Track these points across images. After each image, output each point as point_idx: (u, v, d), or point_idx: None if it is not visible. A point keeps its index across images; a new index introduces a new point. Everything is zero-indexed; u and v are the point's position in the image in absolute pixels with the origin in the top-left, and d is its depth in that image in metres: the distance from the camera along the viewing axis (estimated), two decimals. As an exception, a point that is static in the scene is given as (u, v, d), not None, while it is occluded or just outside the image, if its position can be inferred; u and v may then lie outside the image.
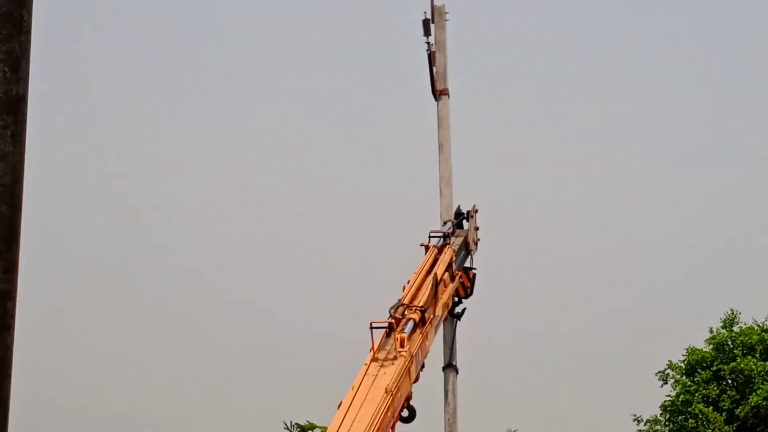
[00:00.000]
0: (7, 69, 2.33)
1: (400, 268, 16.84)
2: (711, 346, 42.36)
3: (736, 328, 42.57)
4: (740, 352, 41.23)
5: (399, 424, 13.56)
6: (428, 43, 17.20)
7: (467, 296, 16.67)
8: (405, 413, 13.88)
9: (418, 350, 13.85)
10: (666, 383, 42.71)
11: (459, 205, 17.20)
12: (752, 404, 38.92)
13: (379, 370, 13.14)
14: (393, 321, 13.87)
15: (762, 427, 39.59)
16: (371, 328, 13.63)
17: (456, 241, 16.26)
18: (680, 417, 41.10)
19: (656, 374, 42.56)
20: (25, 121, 2.22)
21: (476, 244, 17.08)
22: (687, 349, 42.59)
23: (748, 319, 46.35)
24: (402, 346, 13.47)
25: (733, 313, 42.88)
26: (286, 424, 17.11)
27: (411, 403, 13.91)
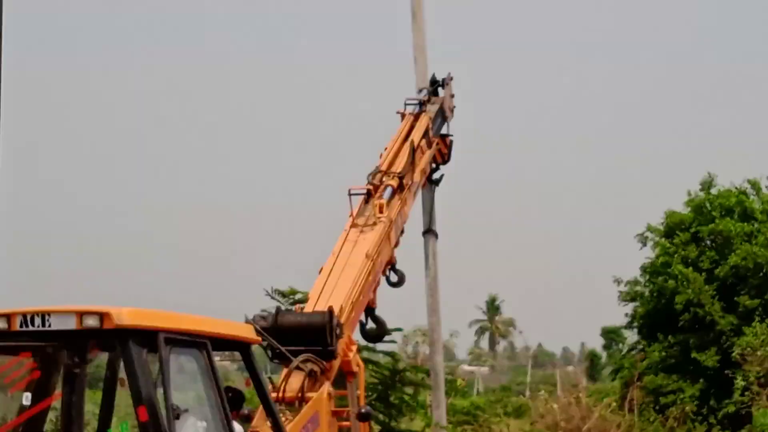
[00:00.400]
0: None
1: (377, 135, 16.90)
2: (689, 209, 42.83)
3: (713, 191, 42.98)
4: (718, 213, 41.68)
5: (383, 287, 13.75)
6: None
7: (444, 162, 16.78)
8: (394, 278, 14.07)
9: (397, 216, 13.97)
10: (645, 246, 43.27)
11: (434, 73, 17.17)
12: (731, 264, 39.53)
13: (359, 236, 13.27)
14: (371, 187, 13.96)
15: (741, 285, 40.29)
16: (350, 194, 13.72)
17: (432, 109, 16.28)
18: (660, 278, 41.74)
19: (635, 237, 43.16)
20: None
21: (452, 111, 17.11)
22: (665, 212, 43.10)
23: (725, 181, 46.76)
24: (381, 211, 13.58)
25: (710, 177, 43.24)
26: (267, 291, 17.33)
27: (398, 268, 14.08)
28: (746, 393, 35.17)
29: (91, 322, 8.31)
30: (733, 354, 36.59)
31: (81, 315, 8.34)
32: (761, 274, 39.43)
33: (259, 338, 10.29)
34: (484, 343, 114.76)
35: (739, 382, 35.62)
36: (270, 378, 11.10)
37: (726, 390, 37.80)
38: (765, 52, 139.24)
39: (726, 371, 37.40)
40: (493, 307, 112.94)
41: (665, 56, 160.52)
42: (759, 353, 34.45)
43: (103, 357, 8.86)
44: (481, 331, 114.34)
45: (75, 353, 8.43)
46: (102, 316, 8.31)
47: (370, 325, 13.56)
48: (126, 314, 8.34)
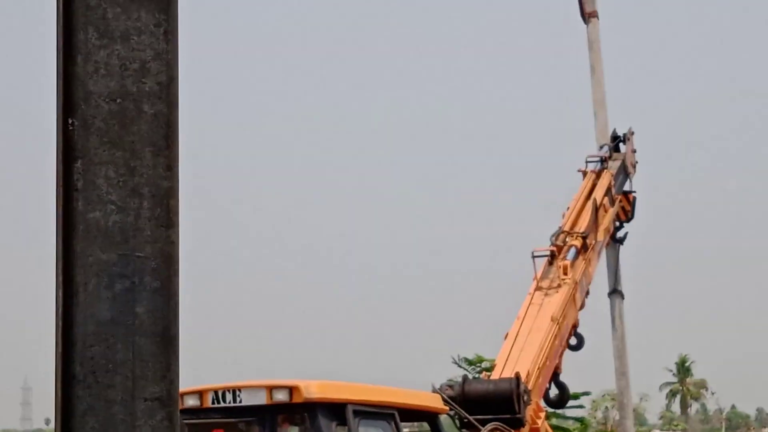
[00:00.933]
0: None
1: (559, 194, 16.58)
2: None
3: None
4: None
5: (568, 352, 13.37)
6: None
7: (628, 220, 16.33)
8: (573, 341, 13.67)
9: (581, 277, 13.59)
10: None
11: (614, 128, 16.81)
12: None
13: (543, 299, 12.95)
14: (555, 249, 13.64)
15: None
16: (533, 257, 13.43)
17: (613, 165, 15.89)
18: None
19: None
20: (176, 17, 2.15)
21: (634, 166, 16.67)
22: None
23: None
24: (565, 273, 13.23)
25: None
26: (454, 359, 17.14)
27: (578, 330, 13.69)
28: None
29: (281, 396, 8.31)
30: None
31: (271, 390, 8.35)
32: None
33: (447, 408, 10.14)
34: (676, 406, 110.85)
35: None
36: (458, 448, 10.89)
37: None
38: None
39: None
40: (683, 369, 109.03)
41: None
42: None
43: (293, 432, 8.85)
44: (672, 394, 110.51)
45: (265, 428, 8.43)
46: (291, 390, 8.30)
47: (553, 389, 13.19)
48: (315, 387, 8.32)
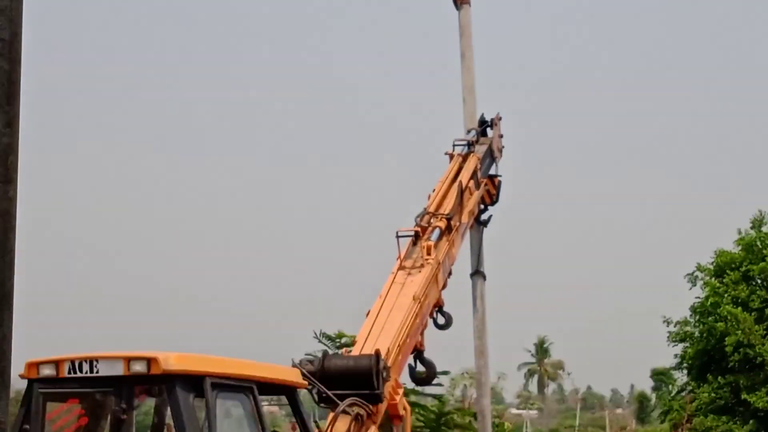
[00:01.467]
0: None
1: (425, 176, 16.81)
2: (740, 248, 42.26)
3: (765, 229, 42.40)
4: (769, 252, 41.08)
5: (431, 330, 13.60)
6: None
7: (493, 203, 16.64)
8: (441, 320, 13.92)
9: (444, 257, 13.83)
10: (695, 285, 42.73)
11: (482, 113, 17.09)
12: (782, 304, 38.91)
13: (406, 278, 13.15)
14: (419, 229, 13.84)
15: (792, 326, 39.60)
16: (398, 237, 13.61)
17: (480, 149, 16.17)
18: (710, 318, 41.20)
19: (685, 277, 42.66)
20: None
21: (501, 151, 16.99)
22: (716, 251, 42.59)
23: (777, 219, 46.04)
24: (429, 253, 13.45)
25: (761, 214, 42.68)
26: (315, 334, 17.24)
27: (445, 309, 13.95)
28: (798, 435, 34.51)
29: (139, 367, 8.28)
30: (785, 396, 35.95)
31: (128, 361, 8.31)
32: (813, 314, 38.78)
33: (306, 382, 10.21)
34: (533, 386, 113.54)
35: (791, 425, 34.96)
36: (317, 423, 11.02)
37: (777, 432, 37.12)
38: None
39: (777, 413, 36.76)
40: (542, 350, 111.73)
41: (717, 93, 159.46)
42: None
43: (150, 404, 8.82)
44: (529, 374, 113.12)
45: (122, 399, 8.39)
46: (149, 361, 8.27)
47: (419, 368, 13.42)
48: (173, 359, 8.30)
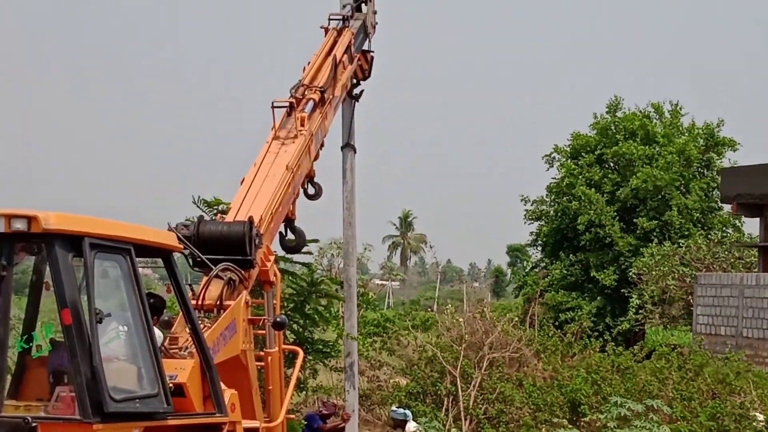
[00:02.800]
0: None
1: (301, 49, 16.89)
2: (595, 131, 43.64)
3: (619, 114, 43.81)
4: (622, 137, 42.58)
5: (302, 200, 13.91)
6: None
7: (365, 78, 16.88)
8: (311, 191, 14.23)
9: (317, 129, 14.07)
10: (552, 166, 44.10)
11: (358, -11, 17.12)
12: (632, 186, 40.55)
13: (280, 148, 13.35)
14: (294, 101, 14.01)
15: (641, 207, 41.41)
16: (272, 107, 13.76)
17: (355, 24, 16.29)
18: (564, 198, 42.69)
19: (543, 158, 43.97)
20: None
21: (374, 27, 17.15)
22: (572, 134, 43.94)
23: (630, 105, 47.49)
24: (302, 125, 13.66)
25: (617, 100, 44.05)
26: (194, 199, 17.34)
27: (316, 180, 14.25)
28: (641, 311, 36.48)
29: (19, 225, 8.35)
30: (630, 274, 37.82)
31: (9, 218, 8.37)
32: (660, 196, 40.60)
33: (181, 246, 10.38)
34: (396, 258, 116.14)
35: (635, 301, 36.92)
36: (190, 286, 11.22)
37: (622, 308, 39.13)
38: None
39: (623, 290, 38.68)
40: (406, 224, 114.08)
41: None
42: (654, 273, 35.68)
43: (29, 262, 8.91)
44: (393, 246, 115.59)
45: (2, 256, 8.47)
46: (30, 219, 8.35)
47: (290, 236, 13.75)
48: (53, 218, 8.39)
